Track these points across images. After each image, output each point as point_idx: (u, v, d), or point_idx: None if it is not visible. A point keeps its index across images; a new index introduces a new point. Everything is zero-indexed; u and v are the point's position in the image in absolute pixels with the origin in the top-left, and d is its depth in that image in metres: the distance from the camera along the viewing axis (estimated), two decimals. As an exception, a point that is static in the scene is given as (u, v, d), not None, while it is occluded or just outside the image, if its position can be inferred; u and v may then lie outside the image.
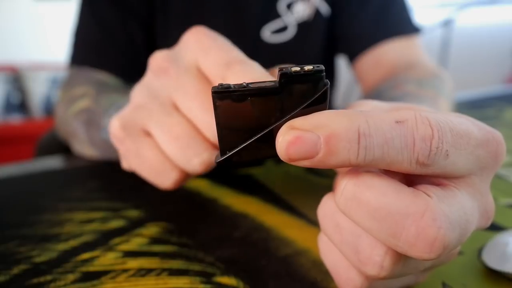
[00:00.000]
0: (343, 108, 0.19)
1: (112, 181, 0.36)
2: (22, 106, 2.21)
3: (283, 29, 0.55)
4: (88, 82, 0.45)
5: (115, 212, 0.30)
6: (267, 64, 0.24)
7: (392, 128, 0.14)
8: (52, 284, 0.21)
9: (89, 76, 0.47)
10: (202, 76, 0.23)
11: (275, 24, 0.55)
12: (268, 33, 0.55)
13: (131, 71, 0.49)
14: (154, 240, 0.26)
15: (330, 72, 0.64)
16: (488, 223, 0.17)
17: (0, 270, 0.23)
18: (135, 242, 0.26)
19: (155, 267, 0.23)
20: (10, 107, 2.18)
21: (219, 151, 0.18)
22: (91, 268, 0.23)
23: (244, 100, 0.16)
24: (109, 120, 0.32)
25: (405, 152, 0.14)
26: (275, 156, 0.16)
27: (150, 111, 0.24)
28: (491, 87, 0.87)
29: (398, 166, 0.14)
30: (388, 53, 0.52)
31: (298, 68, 0.15)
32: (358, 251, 0.16)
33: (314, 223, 0.27)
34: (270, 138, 0.16)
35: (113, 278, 0.22)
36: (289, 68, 0.15)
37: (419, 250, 0.14)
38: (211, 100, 0.16)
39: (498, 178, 0.35)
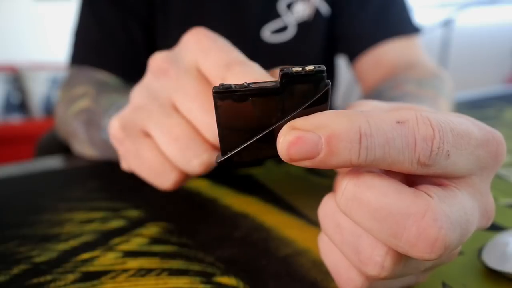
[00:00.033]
0: (343, 108, 0.19)
1: (112, 181, 0.35)
2: (22, 106, 2.21)
3: (283, 29, 0.55)
4: (88, 82, 0.45)
5: (115, 212, 0.30)
6: (267, 64, 0.24)
7: (393, 128, 0.14)
8: (52, 284, 0.21)
9: (89, 75, 0.47)
10: (202, 77, 0.23)
11: (275, 24, 0.55)
12: (268, 33, 0.55)
13: (131, 71, 0.49)
14: (154, 240, 0.26)
15: (330, 72, 0.64)
16: (489, 223, 0.17)
17: (0, 270, 0.23)
18: (135, 242, 0.26)
19: (155, 267, 0.23)
20: (10, 107, 2.18)
21: (220, 151, 0.18)
22: (91, 268, 0.23)
23: (245, 100, 0.16)
24: (109, 120, 0.32)
25: (406, 152, 0.14)
26: (276, 156, 0.16)
27: (149, 112, 0.24)
28: (491, 87, 0.87)
29: (399, 166, 0.14)
30: (388, 53, 0.52)
31: (299, 68, 0.15)
32: (359, 251, 0.16)
33: (314, 223, 0.27)
34: (271, 138, 0.16)
35: (113, 278, 0.22)
36: (290, 68, 0.15)
37: (420, 250, 0.14)
38: (211, 101, 0.16)
39: (498, 178, 0.35)
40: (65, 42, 0.74)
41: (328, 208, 0.18)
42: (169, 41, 0.34)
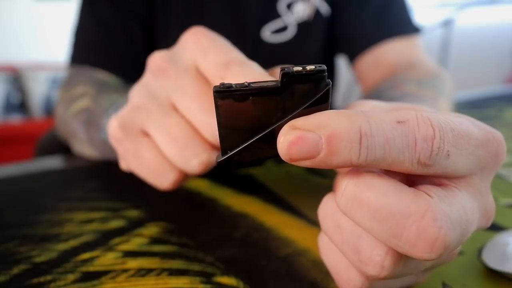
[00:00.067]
0: (343, 108, 0.19)
1: (112, 181, 0.35)
2: (22, 106, 2.21)
3: (283, 29, 0.55)
4: (88, 82, 0.45)
5: (115, 212, 0.30)
6: (267, 64, 0.24)
7: (393, 128, 0.14)
8: (52, 284, 0.21)
9: (89, 75, 0.47)
10: (201, 76, 0.23)
11: (275, 24, 0.55)
12: (268, 33, 0.55)
13: (131, 71, 0.49)
14: (154, 240, 0.26)
15: (330, 72, 0.64)
16: (489, 223, 0.17)
17: (0, 270, 0.23)
18: (135, 242, 0.26)
19: (155, 267, 0.23)
20: (10, 107, 2.18)
21: (220, 150, 0.18)
22: (91, 268, 0.23)
23: (245, 99, 0.16)
24: (108, 120, 0.32)
25: (406, 152, 0.14)
26: (276, 156, 0.16)
27: (148, 112, 0.24)
28: (491, 87, 0.87)
29: (400, 166, 0.14)
30: (388, 53, 0.52)
31: (300, 68, 0.15)
32: (359, 251, 0.16)
33: (314, 223, 0.27)
34: (272, 138, 0.16)
35: (113, 278, 0.22)
36: (290, 68, 0.15)
37: (420, 250, 0.14)
38: (210, 101, 0.16)
39: (498, 178, 0.35)
40: (65, 42, 0.74)
41: (328, 208, 0.18)
42: (169, 41, 0.34)
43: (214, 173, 0.35)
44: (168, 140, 0.23)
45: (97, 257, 0.24)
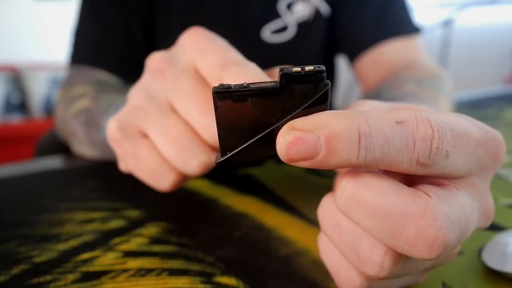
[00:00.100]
0: (343, 108, 0.19)
1: (112, 181, 0.36)
2: (22, 106, 2.21)
3: (283, 29, 0.55)
4: (88, 82, 0.45)
5: (115, 212, 0.30)
6: (267, 64, 0.24)
7: (392, 129, 0.14)
8: (52, 284, 0.21)
9: (89, 75, 0.47)
10: (200, 77, 0.23)
11: (275, 24, 0.55)
12: (268, 33, 0.55)
13: (131, 71, 0.49)
14: (154, 240, 0.26)
15: (330, 72, 0.64)
16: (488, 223, 0.17)
17: (0, 270, 0.23)
18: (135, 242, 0.26)
19: (155, 267, 0.23)
20: (10, 107, 2.18)
21: (219, 151, 0.18)
22: (91, 268, 0.23)
23: (244, 100, 0.16)
24: (108, 121, 0.32)
25: (405, 152, 0.14)
26: (275, 156, 0.16)
27: (147, 113, 0.24)
28: (491, 87, 0.87)
29: (398, 166, 0.14)
30: (388, 53, 0.52)
31: (299, 69, 0.15)
32: (358, 251, 0.16)
33: (314, 223, 0.27)
34: (271, 139, 0.16)
35: (113, 278, 0.22)
36: (289, 68, 0.15)
37: (419, 250, 0.14)
38: (209, 102, 0.16)
39: (498, 178, 0.35)
40: (65, 42, 0.74)
41: (327, 208, 0.18)
42: (169, 41, 0.34)
43: (214, 174, 0.35)
44: (166, 142, 0.23)
45: (97, 257, 0.24)
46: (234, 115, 0.16)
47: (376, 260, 0.15)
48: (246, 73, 0.20)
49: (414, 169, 0.14)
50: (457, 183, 0.16)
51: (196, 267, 0.23)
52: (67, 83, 0.47)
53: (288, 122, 0.15)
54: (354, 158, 0.14)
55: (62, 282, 0.22)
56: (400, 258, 0.16)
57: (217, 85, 0.16)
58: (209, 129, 0.22)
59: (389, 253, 0.15)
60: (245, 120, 0.16)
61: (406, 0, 0.55)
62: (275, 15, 0.55)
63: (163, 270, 0.23)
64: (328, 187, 0.20)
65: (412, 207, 0.14)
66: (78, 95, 0.42)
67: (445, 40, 1.89)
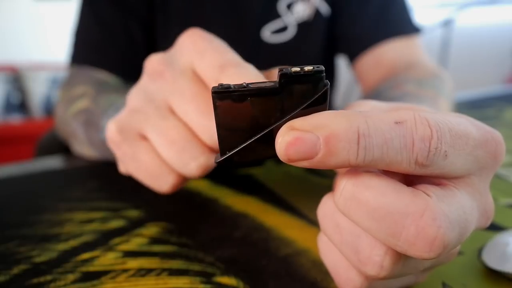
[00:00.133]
0: (342, 108, 0.19)
1: (112, 181, 0.36)
2: (22, 106, 2.21)
3: (283, 29, 0.55)
4: (88, 82, 0.45)
5: (115, 212, 0.30)
6: (267, 64, 0.24)
7: (391, 129, 0.14)
8: (52, 284, 0.21)
9: (89, 75, 0.47)
10: (198, 79, 0.23)
11: (275, 24, 0.55)
12: (268, 33, 0.55)
13: (131, 71, 0.49)
14: (154, 240, 0.26)
15: (330, 72, 0.64)
16: (488, 223, 0.17)
17: (0, 270, 0.23)
18: (135, 242, 0.26)
19: (155, 267, 0.23)
20: (10, 107, 2.18)
21: (218, 151, 0.18)
22: (91, 268, 0.23)
23: (244, 100, 0.16)
24: (107, 121, 0.32)
25: (404, 152, 0.14)
26: (275, 156, 0.16)
27: (146, 115, 0.24)
28: (491, 87, 0.87)
29: (397, 166, 0.14)
30: (388, 53, 0.52)
31: (298, 69, 0.15)
32: (358, 251, 0.16)
33: (314, 223, 0.27)
34: (270, 139, 0.16)
35: (113, 278, 0.22)
36: (289, 68, 0.15)
37: (419, 249, 0.14)
38: (207, 103, 0.16)
39: (498, 178, 0.35)
40: (65, 42, 0.74)
41: (327, 208, 0.18)
42: (169, 41, 0.34)
43: (214, 174, 0.35)
44: (165, 143, 0.23)
45: (97, 257, 0.24)
46: (233, 115, 0.16)
47: (376, 260, 0.15)
48: (243, 74, 0.20)
49: (413, 169, 0.14)
50: (457, 183, 0.16)
51: (196, 267, 0.23)
52: (67, 83, 0.47)
53: (287, 122, 0.15)
54: (353, 158, 0.14)
55: (62, 282, 0.22)
56: (400, 258, 0.16)
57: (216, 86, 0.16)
58: (208, 131, 0.22)
59: (389, 253, 0.15)
60: (245, 120, 0.16)
61: (406, 0, 0.55)
62: (275, 15, 0.55)
63: (163, 270, 0.23)
64: (328, 187, 0.20)
65: (412, 207, 0.14)
66: (78, 95, 0.42)
67: (445, 40, 1.89)
